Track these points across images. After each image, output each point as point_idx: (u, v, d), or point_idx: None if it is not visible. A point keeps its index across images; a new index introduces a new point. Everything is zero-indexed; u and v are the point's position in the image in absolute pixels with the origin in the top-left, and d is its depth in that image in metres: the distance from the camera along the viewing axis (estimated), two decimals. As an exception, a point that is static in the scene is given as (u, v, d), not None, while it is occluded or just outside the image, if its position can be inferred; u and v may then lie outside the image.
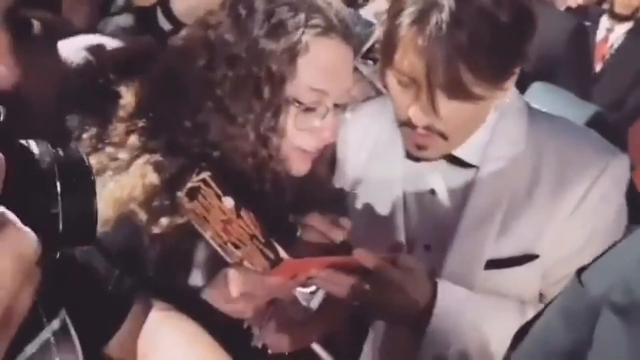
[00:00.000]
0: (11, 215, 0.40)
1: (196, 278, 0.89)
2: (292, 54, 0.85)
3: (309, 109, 0.88)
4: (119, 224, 0.83)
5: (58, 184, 0.45)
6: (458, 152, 1.02)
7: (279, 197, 0.91)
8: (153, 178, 0.84)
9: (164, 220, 0.84)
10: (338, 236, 0.91)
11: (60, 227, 0.45)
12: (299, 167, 0.92)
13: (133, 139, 0.86)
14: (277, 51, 0.85)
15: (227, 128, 0.87)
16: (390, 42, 0.91)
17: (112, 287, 0.76)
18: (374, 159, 1.09)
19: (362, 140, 1.09)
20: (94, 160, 0.83)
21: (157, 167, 0.84)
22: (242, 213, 0.79)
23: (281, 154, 0.89)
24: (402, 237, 1.06)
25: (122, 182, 0.84)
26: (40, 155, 0.45)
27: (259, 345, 0.96)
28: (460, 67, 0.85)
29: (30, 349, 0.61)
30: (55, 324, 0.65)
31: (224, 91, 0.86)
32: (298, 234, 0.92)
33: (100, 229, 0.80)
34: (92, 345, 0.72)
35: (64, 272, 0.68)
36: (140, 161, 0.85)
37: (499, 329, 0.95)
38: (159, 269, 0.85)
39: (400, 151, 1.06)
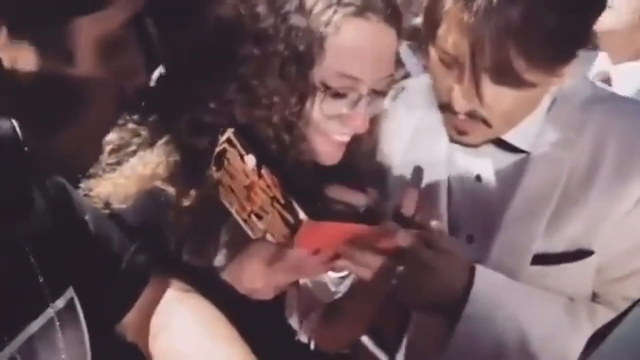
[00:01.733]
0: None
1: (220, 259, 0.88)
2: (321, 34, 0.80)
3: (338, 95, 0.83)
4: (141, 200, 0.82)
5: None
6: (506, 136, 0.95)
7: (305, 173, 0.88)
8: (178, 156, 0.83)
9: (191, 194, 0.83)
10: (359, 200, 0.87)
11: None
12: (327, 156, 0.88)
13: (156, 116, 0.84)
14: (305, 30, 0.80)
15: (252, 110, 0.84)
16: (432, 16, 0.84)
17: (126, 264, 0.75)
18: (416, 140, 1.04)
19: (404, 120, 1.04)
20: (115, 136, 0.82)
21: (182, 147, 0.83)
22: (263, 172, 0.78)
23: (307, 142, 0.85)
24: (444, 225, 1.00)
25: (145, 159, 0.83)
26: None
27: (305, 340, 0.94)
28: (510, 50, 0.78)
29: (33, 327, 0.62)
30: (60, 302, 0.66)
31: (249, 70, 0.83)
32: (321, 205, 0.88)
33: (121, 204, 0.82)
34: (103, 324, 0.73)
35: (73, 249, 0.68)
36: (164, 139, 0.84)
37: (541, 324, 0.90)
38: (183, 245, 0.84)
39: (444, 132, 1.00)
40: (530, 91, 0.83)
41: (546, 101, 0.94)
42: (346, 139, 0.87)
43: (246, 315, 0.81)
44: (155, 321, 0.78)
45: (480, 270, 0.89)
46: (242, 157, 0.79)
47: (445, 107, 0.90)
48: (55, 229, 0.66)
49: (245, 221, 0.82)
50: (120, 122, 0.83)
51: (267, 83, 0.83)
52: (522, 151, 0.96)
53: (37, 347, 0.61)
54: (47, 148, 0.60)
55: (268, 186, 0.77)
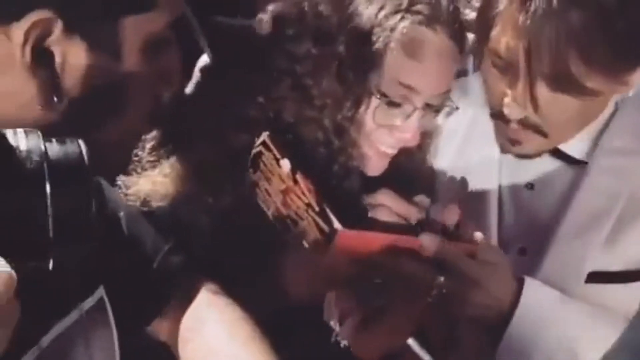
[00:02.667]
0: None
1: (254, 260, 0.86)
2: (384, 39, 0.77)
3: (392, 104, 0.80)
4: (178, 200, 0.82)
5: (47, 184, 0.42)
6: (563, 145, 0.90)
7: (351, 179, 0.86)
8: (216, 156, 0.82)
9: (227, 197, 0.82)
10: (412, 214, 0.83)
11: (51, 232, 0.43)
12: (373, 166, 0.86)
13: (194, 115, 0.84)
14: (369, 33, 0.78)
15: (303, 109, 0.83)
16: (486, 17, 0.80)
17: (158, 264, 0.75)
18: (467, 144, 1.00)
19: (455, 123, 0.99)
20: (155, 132, 0.82)
21: (221, 145, 0.82)
22: (298, 177, 0.76)
23: (356, 149, 0.83)
24: (494, 236, 0.96)
25: (184, 156, 0.83)
26: (27, 152, 0.42)
27: (344, 344, 0.92)
28: (569, 55, 0.73)
29: (61, 326, 0.62)
30: (90, 301, 0.66)
31: (305, 68, 0.81)
32: (369, 214, 0.85)
33: (159, 202, 0.82)
34: (133, 324, 0.72)
35: (105, 247, 0.68)
36: (203, 137, 0.83)
37: (594, 347, 0.83)
38: (220, 248, 0.83)
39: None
40: (590, 100, 0.78)
41: (608, 109, 0.88)
42: (393, 151, 0.85)
43: (283, 318, 0.81)
44: (186, 324, 0.77)
45: (529, 283, 0.85)
46: (277, 161, 0.78)
47: (497, 115, 0.86)
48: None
49: (281, 225, 0.80)
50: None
51: (322, 83, 0.81)
52: (580, 161, 0.90)
53: (66, 346, 0.62)
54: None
55: (303, 192, 0.76)
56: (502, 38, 0.78)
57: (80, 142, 0.46)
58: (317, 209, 0.74)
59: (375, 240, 0.77)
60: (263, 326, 0.77)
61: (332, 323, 0.92)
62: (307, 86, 0.81)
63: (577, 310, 0.86)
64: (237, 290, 0.81)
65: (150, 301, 0.75)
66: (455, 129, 1.01)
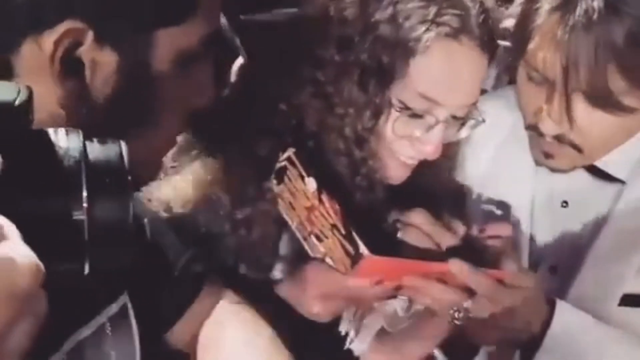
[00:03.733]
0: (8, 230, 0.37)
1: (277, 272, 0.86)
2: (407, 50, 0.75)
3: (414, 115, 0.78)
4: (200, 207, 0.81)
5: (84, 184, 0.41)
6: (600, 162, 0.88)
7: (375, 191, 0.84)
8: (238, 164, 0.81)
9: (249, 206, 0.81)
10: (447, 240, 0.80)
11: (86, 236, 0.42)
12: (395, 175, 0.84)
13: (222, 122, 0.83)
14: (393, 43, 0.76)
15: (324, 117, 0.81)
16: (524, 29, 0.78)
17: (179, 271, 0.75)
18: (501, 157, 0.98)
19: (488, 135, 0.97)
20: (180, 137, 0.82)
21: (244, 153, 0.81)
22: (324, 197, 0.74)
23: (377, 159, 0.82)
24: (524, 253, 0.94)
25: (207, 163, 0.82)
26: (67, 150, 0.41)
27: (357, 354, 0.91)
28: (608, 70, 0.71)
29: (84, 332, 0.62)
30: (114, 308, 0.66)
31: (327, 76, 0.80)
32: (399, 235, 0.83)
33: (181, 209, 0.81)
34: (153, 331, 0.72)
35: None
36: (227, 144, 0.82)
37: None
38: (240, 257, 0.83)
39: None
40: (629, 117, 0.76)
41: None
42: (413, 162, 0.83)
43: (300, 330, 0.80)
44: (206, 333, 0.78)
45: (561, 307, 0.83)
46: (302, 178, 0.76)
47: (532, 127, 0.84)
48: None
49: (305, 239, 0.79)
50: None
51: (343, 92, 0.79)
52: (617, 179, 0.88)
53: (87, 353, 0.62)
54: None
55: (328, 212, 0.74)
56: (540, 52, 0.77)
57: (122, 143, 0.45)
58: (343, 231, 0.72)
59: (402, 267, 0.76)
60: (282, 334, 0.77)
61: (350, 334, 0.91)
62: (329, 94, 0.80)
63: (610, 334, 0.84)
64: (255, 300, 0.80)
65: (170, 308, 0.75)
66: (488, 140, 0.99)
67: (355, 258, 0.71)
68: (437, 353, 0.95)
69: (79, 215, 0.40)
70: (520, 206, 0.95)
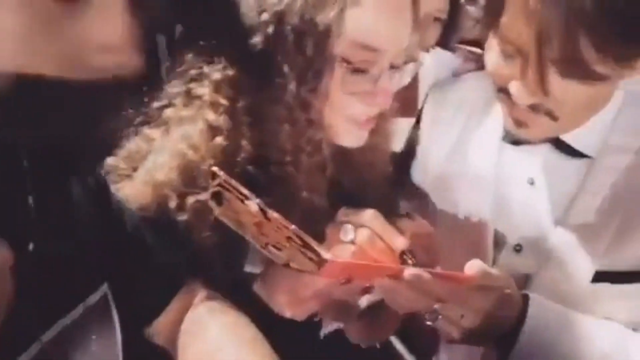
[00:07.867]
0: None
1: (252, 264, 0.85)
2: (340, 4, 0.76)
3: (358, 70, 0.79)
4: (157, 209, 0.78)
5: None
6: (567, 138, 0.91)
7: (321, 154, 0.84)
8: (190, 154, 0.78)
9: (191, 200, 0.78)
10: (398, 243, 0.79)
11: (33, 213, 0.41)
12: (349, 139, 0.85)
13: (168, 113, 0.81)
14: (323, 1, 0.76)
15: (265, 92, 0.80)
16: (495, 3, 0.80)
17: (160, 264, 0.75)
18: (464, 142, 1.01)
19: (450, 123, 1.01)
20: (133, 146, 0.80)
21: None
22: (270, 216, 0.69)
23: (324, 120, 0.82)
24: (489, 231, 0.95)
25: (158, 163, 0.79)
26: None
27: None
28: (580, 39, 0.74)
29: (63, 322, 0.61)
30: (93, 298, 0.65)
31: (264, 44, 0.78)
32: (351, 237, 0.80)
33: (142, 212, 0.77)
34: (134, 324, 0.71)
35: (110, 245, 0.66)
36: (175, 135, 0.80)
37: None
38: (210, 254, 0.81)
39: (496, 132, 0.97)
40: (599, 85, 0.79)
41: (616, 102, 0.90)
42: (366, 118, 0.83)
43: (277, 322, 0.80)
44: (186, 328, 0.76)
45: (534, 299, 0.85)
46: (242, 200, 0.70)
47: (503, 91, 0.85)
48: (94, 223, 0.66)
49: (263, 248, 0.73)
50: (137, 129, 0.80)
51: (283, 58, 0.78)
52: (585, 156, 0.91)
53: (68, 342, 0.61)
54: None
55: (279, 227, 0.69)
56: (512, 25, 0.79)
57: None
58: (299, 242, 0.69)
59: (369, 268, 0.76)
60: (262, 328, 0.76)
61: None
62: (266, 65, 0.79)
63: (582, 323, 0.86)
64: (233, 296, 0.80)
65: (151, 301, 0.74)
66: (450, 127, 1.01)
67: (319, 264, 0.69)
68: (394, 340, 0.96)
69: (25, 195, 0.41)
70: (483, 186, 0.97)
